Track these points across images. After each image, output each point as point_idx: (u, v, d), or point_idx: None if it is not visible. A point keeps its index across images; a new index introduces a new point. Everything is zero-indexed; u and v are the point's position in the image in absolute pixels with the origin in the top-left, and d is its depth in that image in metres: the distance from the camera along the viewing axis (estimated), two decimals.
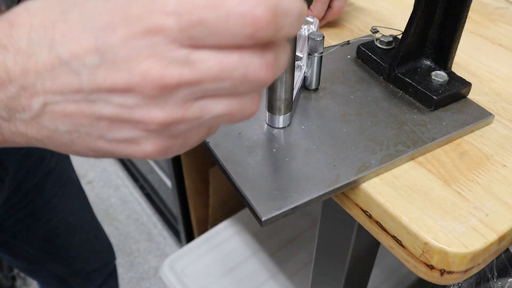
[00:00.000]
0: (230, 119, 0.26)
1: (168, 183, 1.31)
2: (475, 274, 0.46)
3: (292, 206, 0.36)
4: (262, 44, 0.23)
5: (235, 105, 0.25)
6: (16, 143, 0.27)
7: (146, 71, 0.22)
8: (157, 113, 0.23)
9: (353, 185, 0.40)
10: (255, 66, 0.23)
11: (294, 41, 0.39)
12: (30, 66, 0.23)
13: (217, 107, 0.24)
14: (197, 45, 0.22)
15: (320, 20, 0.59)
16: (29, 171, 0.72)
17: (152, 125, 0.24)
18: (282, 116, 0.43)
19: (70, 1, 0.24)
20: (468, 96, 0.48)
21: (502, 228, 0.36)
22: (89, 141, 0.26)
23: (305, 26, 0.53)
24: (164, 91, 0.23)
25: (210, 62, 0.22)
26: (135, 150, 0.25)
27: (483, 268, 0.44)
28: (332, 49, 0.53)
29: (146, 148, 0.25)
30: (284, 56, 0.24)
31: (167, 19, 0.21)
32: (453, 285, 0.51)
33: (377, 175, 0.40)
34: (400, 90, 0.49)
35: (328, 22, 0.63)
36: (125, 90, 0.23)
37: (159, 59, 0.22)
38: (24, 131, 0.26)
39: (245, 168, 0.40)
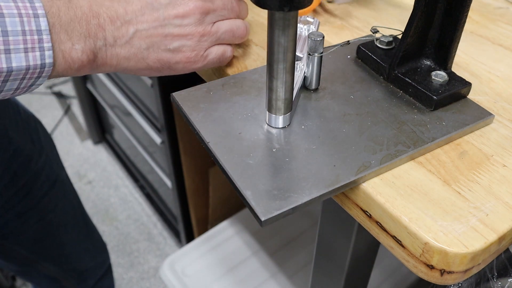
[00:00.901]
0: (232, 34, 0.48)
1: (168, 183, 1.31)
2: (475, 274, 0.46)
3: (292, 206, 0.36)
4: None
5: (232, 25, 0.48)
6: (108, 65, 0.42)
7: (195, 4, 0.44)
8: (198, 28, 0.45)
9: (353, 185, 0.40)
10: (234, 3, 0.48)
11: (294, 41, 0.39)
12: (128, 8, 0.42)
13: (224, 25, 0.47)
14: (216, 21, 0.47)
15: None
16: (16, 171, 0.71)
17: (195, 35, 0.44)
18: (282, 116, 0.43)
19: None
20: (468, 96, 0.48)
21: (502, 228, 0.36)
22: (158, 53, 0.44)
23: (305, 26, 0.53)
24: (202, 15, 0.44)
25: (219, 2, 0.46)
26: (182, 56, 0.45)
27: (483, 268, 0.44)
28: (332, 49, 0.53)
29: (188, 54, 0.45)
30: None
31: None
32: (453, 285, 0.51)
33: (377, 175, 0.40)
34: (400, 90, 0.49)
35: (328, 22, 0.63)
36: (184, 15, 0.43)
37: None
38: (119, 52, 0.42)
39: (245, 168, 0.40)
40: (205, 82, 0.50)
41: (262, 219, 0.35)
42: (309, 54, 0.46)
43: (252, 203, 0.36)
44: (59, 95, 2.28)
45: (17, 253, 0.81)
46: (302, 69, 0.48)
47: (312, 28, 0.54)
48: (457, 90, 0.47)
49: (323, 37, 0.46)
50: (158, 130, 1.21)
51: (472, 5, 0.58)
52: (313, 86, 0.49)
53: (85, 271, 0.95)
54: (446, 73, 0.48)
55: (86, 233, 0.94)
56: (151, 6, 0.42)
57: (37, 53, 0.36)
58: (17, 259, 0.83)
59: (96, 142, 1.97)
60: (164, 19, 0.43)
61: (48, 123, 2.10)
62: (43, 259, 0.85)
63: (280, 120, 0.43)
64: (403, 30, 0.47)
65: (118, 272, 1.51)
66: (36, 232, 0.80)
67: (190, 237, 1.41)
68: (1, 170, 0.68)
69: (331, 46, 0.54)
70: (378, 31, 0.55)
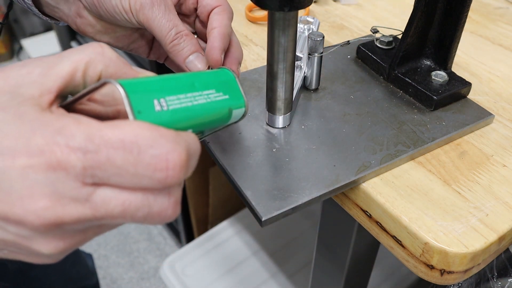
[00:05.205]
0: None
1: None
2: (475, 274, 0.46)
3: (292, 206, 0.36)
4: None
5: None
6: None
7: (41, 211, 0.21)
8: (50, 244, 0.22)
9: (353, 185, 0.40)
10: (162, 206, 0.22)
11: (294, 41, 0.39)
12: None
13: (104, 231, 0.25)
14: (100, 183, 0.21)
15: None
16: None
17: (46, 254, 0.23)
18: (282, 116, 0.43)
19: None
20: (468, 96, 0.48)
21: (502, 228, 0.36)
22: None
23: (305, 26, 0.53)
24: (59, 227, 0.22)
25: (112, 203, 0.22)
26: (33, 260, 0.25)
27: (483, 268, 0.44)
28: (332, 49, 0.53)
29: (42, 260, 0.25)
30: (181, 188, 0.24)
31: (71, 155, 0.21)
32: (453, 285, 0.51)
33: (377, 175, 0.40)
34: (400, 90, 0.49)
35: (328, 22, 0.63)
36: (18, 223, 0.21)
37: (57, 198, 0.21)
38: None
39: (245, 168, 0.40)
40: None
41: (262, 219, 0.35)
42: (309, 54, 0.46)
43: (252, 203, 0.36)
44: None
45: None
46: (302, 69, 0.48)
47: (312, 28, 0.54)
48: (457, 90, 0.47)
49: (323, 37, 0.46)
50: None
51: (472, 5, 0.58)
52: (313, 86, 0.49)
53: None
54: (446, 73, 0.48)
55: (72, 262, 0.91)
56: None
57: None
58: None
59: None
60: None
61: None
62: None
63: (280, 120, 0.43)
64: (403, 30, 0.47)
65: (118, 272, 1.51)
66: (19, 264, 0.78)
67: (190, 237, 1.41)
68: None
69: (331, 46, 0.54)
70: (378, 31, 0.55)
